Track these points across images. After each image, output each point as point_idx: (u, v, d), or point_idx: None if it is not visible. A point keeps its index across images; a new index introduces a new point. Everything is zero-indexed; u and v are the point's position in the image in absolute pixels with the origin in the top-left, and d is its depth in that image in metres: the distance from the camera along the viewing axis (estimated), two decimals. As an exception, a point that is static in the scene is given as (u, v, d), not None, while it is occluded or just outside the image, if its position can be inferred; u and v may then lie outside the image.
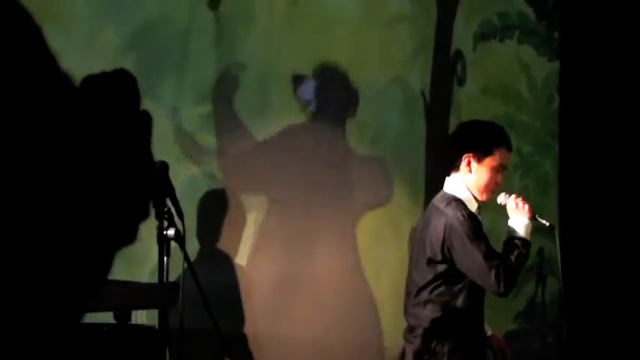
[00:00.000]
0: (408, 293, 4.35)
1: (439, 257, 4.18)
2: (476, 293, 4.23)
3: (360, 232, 5.76)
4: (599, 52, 6.38)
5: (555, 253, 6.32)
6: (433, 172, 6.04)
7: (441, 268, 4.20)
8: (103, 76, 0.85)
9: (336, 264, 5.63)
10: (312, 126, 5.60)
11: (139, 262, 4.50)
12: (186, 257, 3.69)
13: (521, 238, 4.21)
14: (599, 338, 5.08)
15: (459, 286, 4.19)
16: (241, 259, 5.31)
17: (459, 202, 4.22)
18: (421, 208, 5.96)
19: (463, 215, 4.15)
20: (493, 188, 4.28)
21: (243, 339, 5.25)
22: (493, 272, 4.07)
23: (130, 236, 0.86)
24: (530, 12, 6.45)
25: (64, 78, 0.87)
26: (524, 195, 6.27)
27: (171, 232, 3.64)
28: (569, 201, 6.35)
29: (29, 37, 0.85)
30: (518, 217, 4.29)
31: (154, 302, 3.63)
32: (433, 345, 4.18)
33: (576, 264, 5.61)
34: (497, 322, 6.14)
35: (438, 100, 6.08)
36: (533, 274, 6.20)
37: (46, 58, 0.85)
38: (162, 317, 3.61)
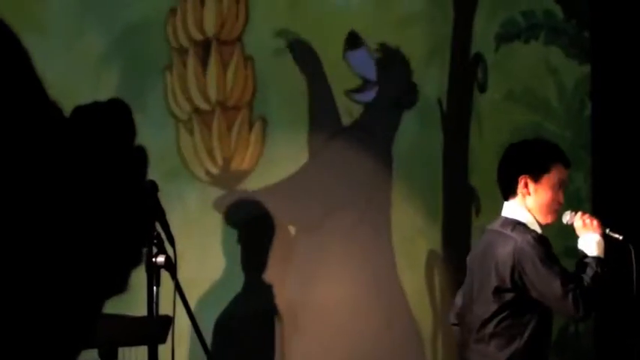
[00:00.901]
0: (467, 328, 4.43)
1: (508, 285, 4.28)
2: (545, 326, 4.34)
3: (371, 256, 5.76)
4: (634, 54, 6.38)
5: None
6: (451, 190, 6.04)
7: (509, 296, 4.30)
8: (95, 107, 0.84)
9: (350, 291, 5.65)
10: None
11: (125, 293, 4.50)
12: (177, 287, 3.69)
13: (594, 257, 4.32)
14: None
15: (527, 317, 4.30)
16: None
17: (525, 226, 4.36)
18: (439, 228, 5.96)
19: (533, 238, 4.29)
20: (556, 208, 4.44)
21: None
22: (570, 296, 4.19)
23: (121, 284, 0.85)
24: (557, 10, 6.44)
25: (53, 108, 0.86)
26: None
27: (161, 259, 3.63)
28: (604, 219, 6.34)
29: (16, 64, 0.85)
30: (588, 235, 4.42)
31: (143, 338, 3.63)
32: None
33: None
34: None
35: (457, 109, 6.08)
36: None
37: (34, 85, 0.84)
38: (151, 355, 3.61)
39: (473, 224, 6.07)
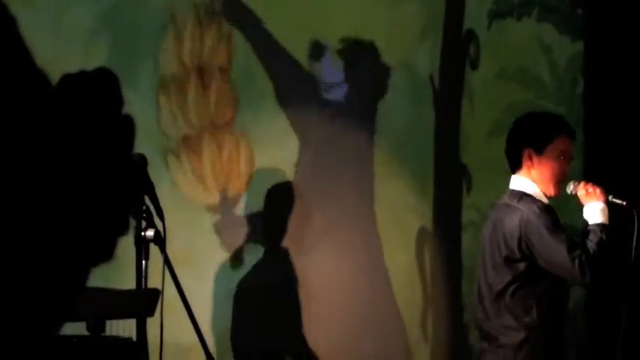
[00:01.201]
0: (481, 299, 4.54)
1: (517, 255, 4.40)
2: (559, 294, 4.48)
3: (363, 234, 5.78)
4: (627, 31, 6.37)
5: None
6: (443, 167, 6.05)
7: (521, 266, 4.42)
8: (82, 75, 0.84)
9: (346, 267, 5.67)
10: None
11: (114, 267, 4.50)
12: (167, 261, 3.69)
13: (598, 224, 4.42)
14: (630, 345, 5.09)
15: (540, 287, 4.41)
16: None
17: (531, 197, 4.47)
18: (430, 205, 5.97)
19: (539, 208, 4.40)
20: (560, 179, 4.52)
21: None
22: (576, 263, 4.30)
23: (107, 252, 0.85)
24: (551, -14, 6.44)
25: (40, 76, 0.85)
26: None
27: (150, 233, 3.64)
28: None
29: (3, 31, 0.84)
30: (592, 203, 4.49)
31: (131, 311, 3.63)
32: (522, 355, 4.39)
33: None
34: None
35: (449, 86, 6.08)
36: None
37: (21, 53, 0.84)
38: (139, 328, 3.62)
39: (464, 201, 6.08)
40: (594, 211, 4.48)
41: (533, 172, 4.53)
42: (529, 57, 6.33)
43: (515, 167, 4.61)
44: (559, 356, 4.55)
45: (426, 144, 6.00)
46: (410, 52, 5.95)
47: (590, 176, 6.35)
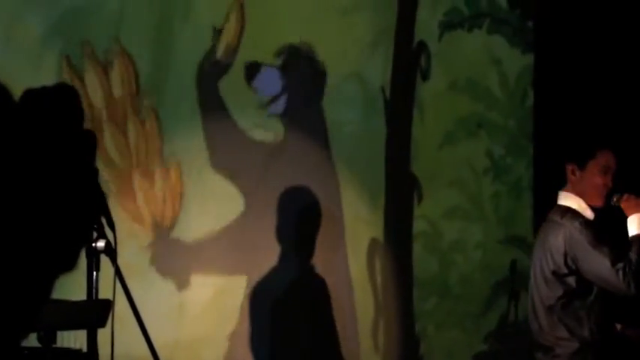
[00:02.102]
0: (535, 313, 4.85)
1: (564, 270, 4.70)
2: (609, 306, 4.74)
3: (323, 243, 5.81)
4: (577, 44, 6.45)
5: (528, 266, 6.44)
6: (394, 177, 6.10)
7: (570, 280, 4.72)
8: (44, 91, 0.89)
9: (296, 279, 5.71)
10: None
11: (64, 278, 4.51)
12: (117, 272, 3.73)
13: (636, 235, 4.66)
14: None
15: (591, 299, 4.71)
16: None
17: (574, 212, 4.74)
18: (381, 216, 6.03)
19: (580, 224, 4.69)
20: (603, 191, 4.76)
21: None
22: (621, 275, 4.56)
23: (70, 262, 0.90)
24: (501, -1, 6.52)
25: (2, 90, 0.90)
26: (496, 201, 6.40)
27: (101, 244, 3.68)
28: (544, 208, 6.44)
29: None
30: (634, 216, 4.72)
31: (83, 322, 3.67)
32: None
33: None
34: (466, 343, 6.24)
35: (400, 97, 6.15)
36: (505, 289, 6.28)
37: None
38: (90, 339, 3.65)
39: (415, 212, 6.15)
40: (633, 222, 4.70)
41: (578, 187, 4.80)
42: (480, 69, 6.40)
43: (562, 183, 4.88)
44: None
45: (377, 154, 6.05)
46: (361, 62, 6.00)
47: (539, 188, 6.46)
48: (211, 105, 5.49)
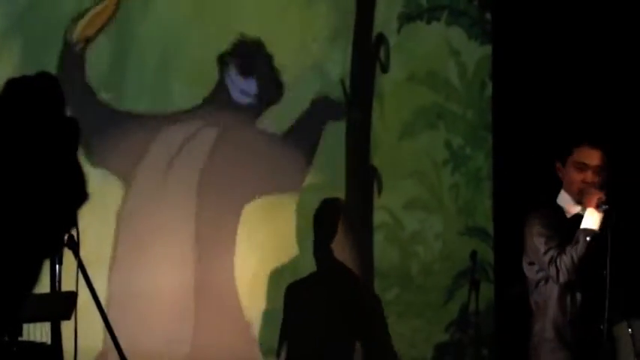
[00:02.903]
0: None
1: (528, 259, 4.93)
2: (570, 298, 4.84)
3: (269, 236, 5.86)
4: (534, 35, 6.50)
5: (490, 257, 6.52)
6: (354, 169, 6.15)
7: (536, 269, 4.91)
8: (27, 80, 0.94)
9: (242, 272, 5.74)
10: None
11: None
12: (80, 265, 3.76)
13: (583, 229, 4.76)
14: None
15: (550, 289, 4.87)
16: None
17: (551, 205, 4.93)
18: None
19: (536, 212, 4.91)
20: (580, 186, 4.87)
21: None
22: (553, 264, 4.75)
23: (56, 245, 0.95)
24: (460, -9, 6.57)
25: None
26: (455, 192, 6.46)
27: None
28: (504, 198, 6.52)
29: None
30: (589, 210, 4.81)
31: (48, 314, 3.69)
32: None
33: (511, 267, 5.77)
34: (428, 332, 6.30)
35: (360, 90, 6.20)
36: (466, 279, 6.33)
37: None
38: (54, 332, 3.68)
39: (375, 204, 6.20)
40: (586, 216, 4.80)
41: (565, 184, 4.95)
42: (438, 60, 6.45)
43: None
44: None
45: (338, 147, 6.09)
46: (321, 55, 6.04)
47: (497, 178, 6.53)
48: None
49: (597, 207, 4.76)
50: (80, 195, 0.94)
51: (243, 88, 5.77)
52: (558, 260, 4.75)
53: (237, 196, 5.71)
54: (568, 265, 4.73)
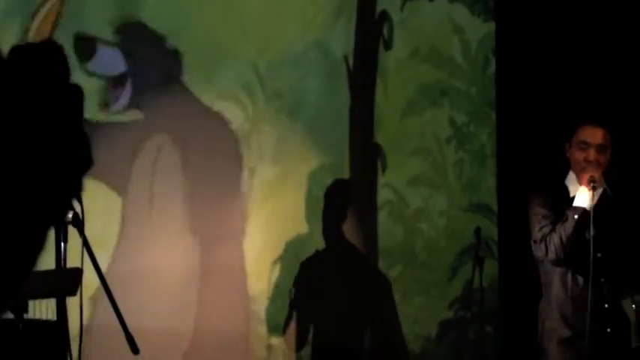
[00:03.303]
0: None
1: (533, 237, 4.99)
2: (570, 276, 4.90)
3: (274, 214, 5.86)
4: (537, 12, 6.51)
5: (494, 233, 6.53)
6: (358, 147, 6.16)
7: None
8: (31, 47, 0.94)
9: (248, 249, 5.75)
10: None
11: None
12: (85, 243, 3.77)
13: (574, 207, 4.84)
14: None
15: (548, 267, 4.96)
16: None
17: (558, 184, 4.99)
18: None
19: (536, 191, 5.02)
20: (582, 165, 4.91)
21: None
22: (543, 242, 4.85)
23: (62, 211, 0.96)
24: (462, -32, 6.56)
25: None
26: (459, 169, 6.47)
27: (68, 215, 3.71)
28: (508, 175, 6.53)
29: None
30: (581, 188, 4.88)
31: (54, 290, 3.70)
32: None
33: (515, 245, 5.79)
34: (432, 309, 6.32)
35: (363, 67, 6.20)
36: (470, 256, 6.35)
37: None
38: (60, 309, 3.69)
39: (379, 181, 6.21)
40: (578, 194, 4.86)
41: (572, 164, 5.00)
42: (442, 37, 6.45)
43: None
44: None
45: (342, 124, 6.09)
46: (324, 31, 6.03)
47: (501, 155, 6.54)
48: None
49: (588, 184, 4.78)
50: (85, 160, 0.94)
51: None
52: (548, 238, 4.83)
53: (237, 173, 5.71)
54: (556, 242, 4.80)
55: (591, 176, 4.80)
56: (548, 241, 4.82)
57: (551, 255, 4.82)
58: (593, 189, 4.79)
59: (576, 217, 4.76)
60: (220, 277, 5.60)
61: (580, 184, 4.88)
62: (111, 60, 5.28)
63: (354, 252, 6.04)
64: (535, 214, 4.93)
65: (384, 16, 6.27)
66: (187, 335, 5.49)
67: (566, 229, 4.78)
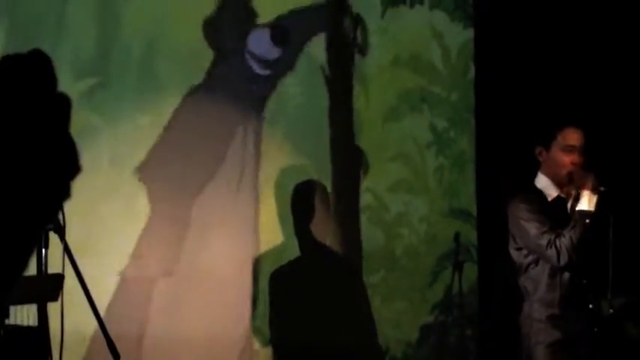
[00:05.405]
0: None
1: (516, 244, 4.97)
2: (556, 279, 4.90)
3: (264, 217, 5.85)
4: (517, 18, 6.54)
5: (473, 238, 6.54)
6: (339, 151, 6.15)
7: (524, 253, 4.96)
8: (18, 57, 0.94)
9: (233, 254, 5.74)
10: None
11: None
12: (66, 249, 3.75)
13: (580, 210, 4.83)
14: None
15: (535, 271, 4.94)
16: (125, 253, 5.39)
17: (531, 189, 4.97)
18: (329, 189, 6.07)
19: (519, 197, 4.96)
20: (569, 169, 4.90)
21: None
22: (552, 247, 4.79)
23: (52, 215, 0.95)
24: (441, -25, 6.57)
25: None
26: (440, 174, 6.48)
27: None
28: (487, 180, 6.54)
29: None
30: (584, 192, 4.88)
31: (36, 296, 3.69)
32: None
33: (495, 249, 5.79)
34: (412, 314, 6.32)
35: (339, 72, 6.18)
36: (450, 261, 6.35)
37: None
38: (41, 315, 3.67)
39: (361, 185, 6.20)
40: (583, 198, 4.85)
41: (544, 167, 4.99)
42: (422, 44, 6.47)
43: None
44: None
45: (323, 129, 6.09)
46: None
47: (481, 161, 6.55)
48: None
49: (593, 189, 4.79)
50: (72, 166, 0.94)
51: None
52: (557, 242, 4.80)
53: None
54: (568, 246, 4.79)
55: (595, 181, 4.82)
56: (558, 246, 4.80)
57: (564, 259, 4.81)
58: (598, 193, 4.82)
59: (588, 221, 4.79)
60: (202, 282, 5.59)
61: (580, 188, 4.87)
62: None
63: (330, 255, 6.02)
64: (527, 220, 4.90)
65: (357, 20, 6.25)
66: (171, 338, 5.48)
67: (577, 232, 4.78)
